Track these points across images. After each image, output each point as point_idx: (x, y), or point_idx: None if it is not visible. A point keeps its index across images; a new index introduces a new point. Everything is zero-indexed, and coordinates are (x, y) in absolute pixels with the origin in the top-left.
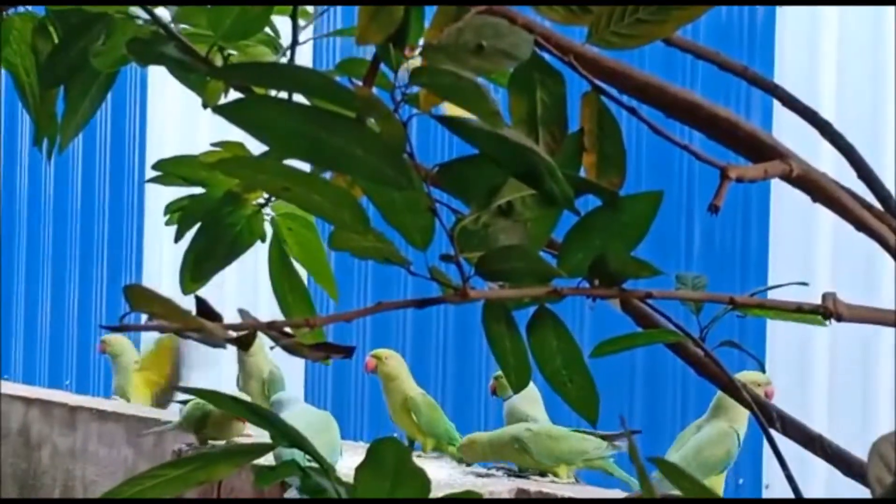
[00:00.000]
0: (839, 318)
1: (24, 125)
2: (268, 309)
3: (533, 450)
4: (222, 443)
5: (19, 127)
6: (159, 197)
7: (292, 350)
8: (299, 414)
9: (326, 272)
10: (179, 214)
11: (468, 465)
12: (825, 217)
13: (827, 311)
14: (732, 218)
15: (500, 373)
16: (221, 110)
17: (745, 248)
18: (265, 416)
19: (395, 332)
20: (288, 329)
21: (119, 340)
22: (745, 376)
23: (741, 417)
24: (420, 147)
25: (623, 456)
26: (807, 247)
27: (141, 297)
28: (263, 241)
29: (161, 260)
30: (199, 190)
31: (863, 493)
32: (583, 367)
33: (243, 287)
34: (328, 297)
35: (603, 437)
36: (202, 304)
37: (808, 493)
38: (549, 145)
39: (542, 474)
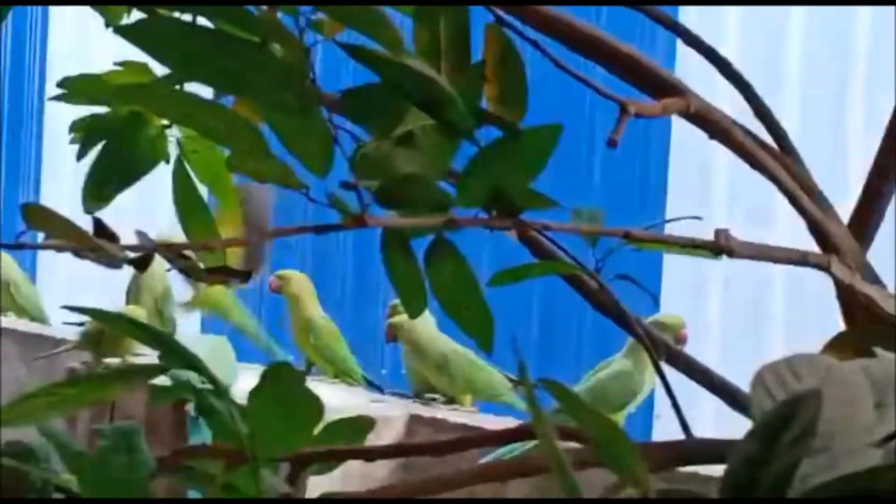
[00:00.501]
0: (731, 254)
1: None
2: (166, 235)
3: (454, 370)
4: (117, 361)
5: None
6: (59, 108)
7: (189, 273)
8: (193, 338)
9: (231, 195)
10: (82, 133)
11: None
12: (723, 155)
13: (719, 246)
14: (633, 153)
15: (395, 319)
16: (123, 31)
17: (643, 183)
18: (157, 337)
19: (294, 258)
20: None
21: None
22: (661, 318)
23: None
24: (325, 75)
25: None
26: (704, 184)
27: (38, 216)
28: (167, 162)
29: (59, 180)
30: (104, 108)
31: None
32: (479, 296)
33: (142, 211)
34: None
35: (510, 380)
36: (99, 225)
37: (696, 425)
38: (452, 76)
39: (449, 402)
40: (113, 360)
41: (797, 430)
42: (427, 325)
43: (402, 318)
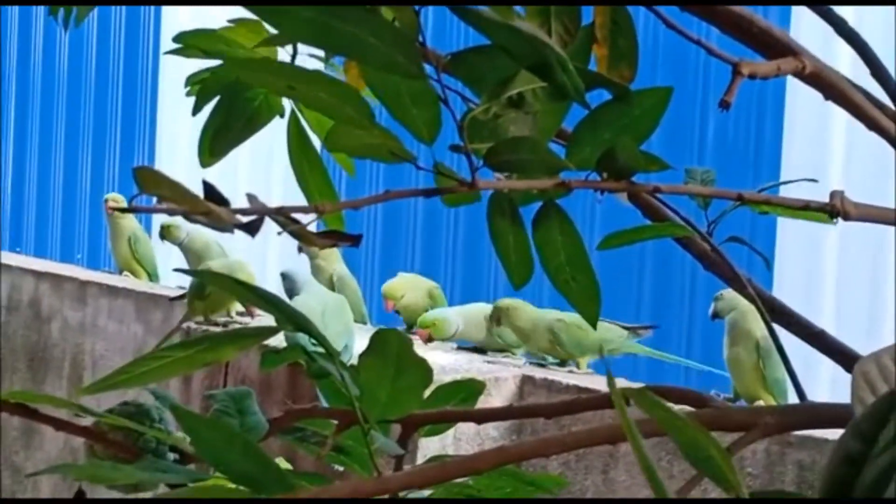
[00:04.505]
0: (846, 217)
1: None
2: (280, 198)
3: (564, 340)
4: (223, 319)
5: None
6: (174, 71)
7: (299, 236)
8: (314, 297)
9: None
10: (198, 88)
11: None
12: (840, 116)
13: (834, 208)
14: (747, 115)
15: (500, 302)
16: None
17: (758, 145)
18: (269, 300)
19: (406, 226)
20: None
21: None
22: None
23: None
24: (435, 38)
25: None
26: (821, 145)
27: (150, 180)
28: (282, 116)
29: (175, 136)
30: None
31: None
32: (586, 265)
33: (255, 174)
34: (344, 179)
35: (624, 328)
36: (210, 189)
37: (811, 390)
38: (562, 37)
39: (562, 363)
40: (220, 318)
41: (894, 427)
42: (526, 306)
43: (505, 301)
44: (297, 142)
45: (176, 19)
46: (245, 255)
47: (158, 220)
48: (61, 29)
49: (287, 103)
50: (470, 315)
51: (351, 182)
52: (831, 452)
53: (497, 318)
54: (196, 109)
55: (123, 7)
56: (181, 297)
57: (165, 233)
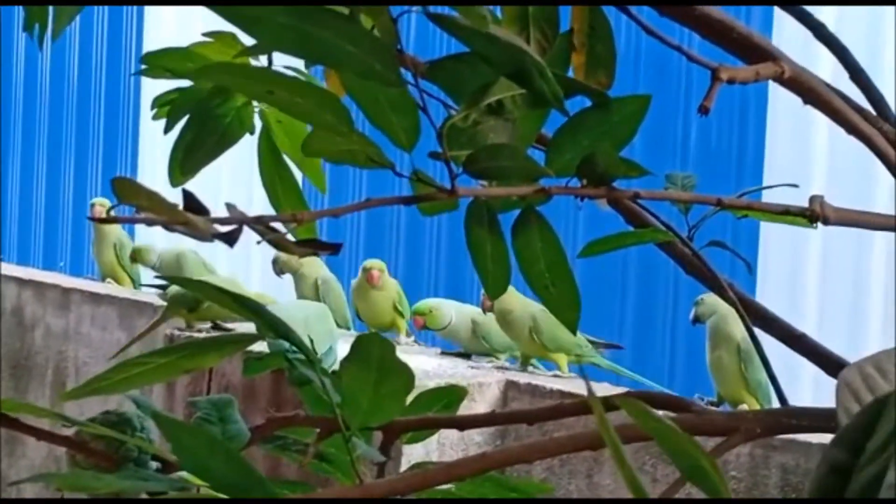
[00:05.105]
0: (825, 221)
1: (21, 11)
2: (262, 207)
3: (543, 329)
4: (207, 325)
5: (16, 14)
6: (156, 81)
7: (279, 245)
8: (296, 306)
9: (316, 165)
10: (168, 107)
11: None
12: (822, 121)
13: (813, 213)
14: (730, 120)
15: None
16: (212, 3)
17: (741, 150)
18: (251, 308)
19: (389, 234)
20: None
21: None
22: None
23: None
24: (417, 46)
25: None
26: (803, 150)
27: (128, 190)
28: (252, 133)
29: (157, 146)
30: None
31: None
32: (566, 272)
33: (236, 183)
34: (321, 197)
35: (590, 341)
36: (189, 198)
37: (793, 394)
38: (541, 44)
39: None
40: (203, 325)
41: (881, 437)
42: (518, 294)
43: None
44: (268, 159)
45: (159, 32)
46: (228, 272)
47: (140, 228)
48: (46, 39)
49: (257, 120)
50: (463, 312)
51: (333, 189)
52: (817, 463)
53: (490, 304)
54: (168, 128)
55: (106, 18)
56: (163, 287)
57: (137, 256)
